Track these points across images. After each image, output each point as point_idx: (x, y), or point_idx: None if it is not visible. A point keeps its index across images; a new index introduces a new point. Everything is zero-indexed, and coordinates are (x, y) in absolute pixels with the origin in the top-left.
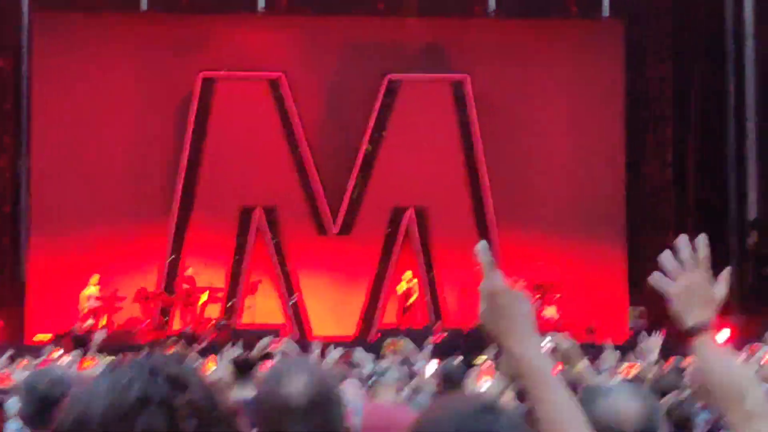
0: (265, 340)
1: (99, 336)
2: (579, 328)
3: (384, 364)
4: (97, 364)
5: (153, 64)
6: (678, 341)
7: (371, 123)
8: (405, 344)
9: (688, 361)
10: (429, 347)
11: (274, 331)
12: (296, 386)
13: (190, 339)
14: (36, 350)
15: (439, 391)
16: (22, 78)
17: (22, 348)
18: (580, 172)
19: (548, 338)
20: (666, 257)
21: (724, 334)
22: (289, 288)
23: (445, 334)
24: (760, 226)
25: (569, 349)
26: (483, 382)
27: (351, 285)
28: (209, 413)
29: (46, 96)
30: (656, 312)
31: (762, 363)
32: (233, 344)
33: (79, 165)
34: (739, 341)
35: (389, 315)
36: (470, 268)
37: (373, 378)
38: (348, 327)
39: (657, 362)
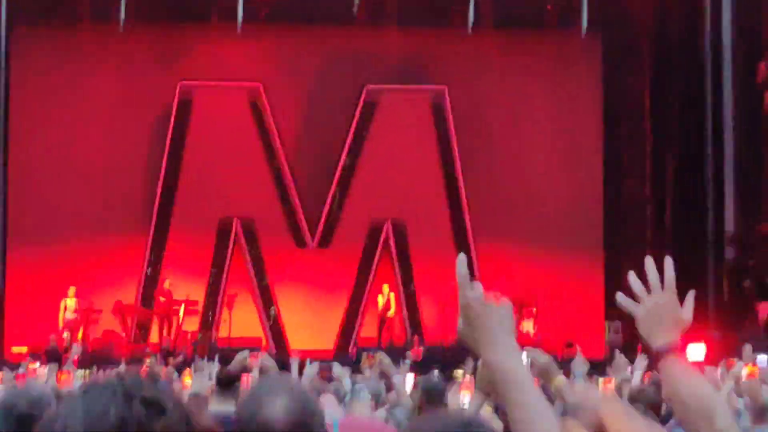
0: (242, 354)
1: (76, 349)
2: (557, 342)
3: (362, 378)
4: (73, 378)
5: (131, 75)
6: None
7: (350, 135)
8: (383, 358)
9: None
10: (407, 361)
11: (252, 345)
12: (277, 409)
13: (168, 352)
14: (13, 363)
15: (419, 405)
16: (1, 91)
17: (0, 361)
18: (558, 186)
19: (524, 354)
20: (633, 279)
21: (701, 349)
22: (267, 301)
23: (424, 348)
24: (737, 241)
25: (546, 365)
26: (463, 396)
27: (329, 298)
28: None
29: (24, 108)
30: (632, 327)
31: (738, 378)
32: (210, 358)
33: (57, 177)
34: (716, 356)
35: (367, 329)
36: (448, 282)
37: (351, 393)
38: (326, 341)
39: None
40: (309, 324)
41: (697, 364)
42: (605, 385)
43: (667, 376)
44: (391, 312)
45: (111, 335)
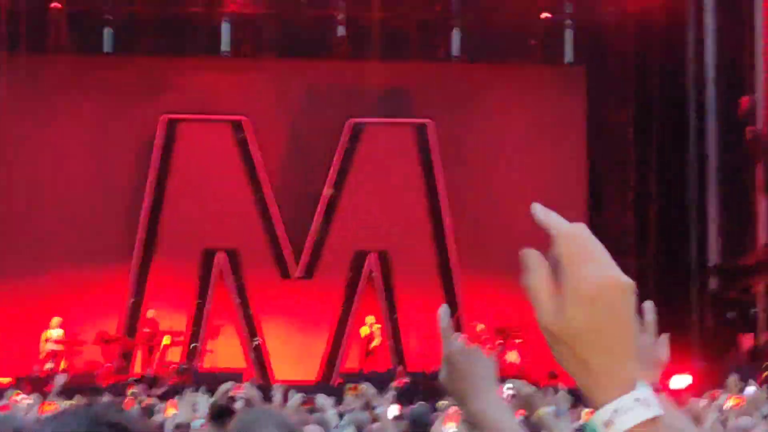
0: (226, 385)
1: (60, 380)
2: (541, 372)
3: (346, 408)
4: (56, 408)
5: (116, 106)
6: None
7: (334, 167)
8: (367, 388)
9: None
10: (391, 392)
11: (236, 375)
12: None
13: (152, 383)
14: None
15: None
16: None
17: None
18: None
19: (509, 385)
20: None
21: (686, 380)
22: (251, 331)
23: (407, 378)
24: (721, 272)
25: (530, 395)
26: (448, 427)
27: (313, 329)
28: None
29: (6, 137)
30: None
31: (723, 409)
32: (195, 389)
33: (41, 207)
34: (700, 387)
35: (352, 359)
36: (433, 313)
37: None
38: (310, 371)
39: None
40: (293, 354)
41: (681, 393)
42: (588, 416)
43: None
44: (376, 342)
45: (94, 365)
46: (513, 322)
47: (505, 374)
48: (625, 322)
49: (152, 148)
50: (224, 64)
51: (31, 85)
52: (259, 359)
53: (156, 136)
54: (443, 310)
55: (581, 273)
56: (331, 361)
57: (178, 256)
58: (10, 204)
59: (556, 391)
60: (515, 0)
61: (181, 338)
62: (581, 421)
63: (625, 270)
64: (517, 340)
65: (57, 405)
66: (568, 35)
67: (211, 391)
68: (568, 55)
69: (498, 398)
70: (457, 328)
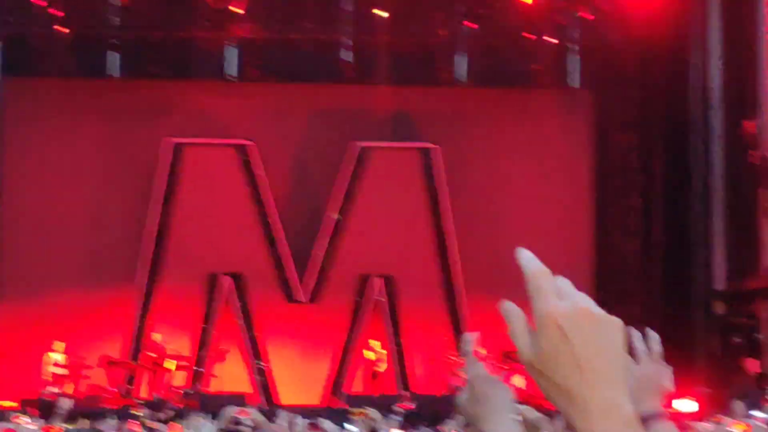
0: (230, 410)
1: (64, 404)
2: None
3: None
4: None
5: (121, 130)
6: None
7: (339, 191)
8: (372, 413)
9: None
10: (396, 416)
11: (241, 399)
12: None
13: (157, 407)
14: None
15: None
16: None
17: None
18: (548, 241)
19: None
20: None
21: (692, 406)
22: (256, 355)
23: (412, 402)
24: (726, 297)
25: (536, 420)
26: None
27: (319, 353)
28: None
29: (15, 161)
30: None
31: None
32: (200, 412)
33: (46, 230)
34: (706, 412)
35: (357, 383)
36: (438, 337)
37: None
38: (315, 395)
39: None
40: (298, 378)
41: (686, 417)
42: None
43: None
44: (382, 367)
45: (99, 389)
46: None
47: None
48: (601, 351)
49: (157, 172)
50: (230, 89)
51: (37, 109)
52: (264, 383)
53: (161, 160)
54: (468, 337)
55: (546, 306)
56: (336, 385)
57: (183, 280)
58: (15, 227)
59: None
60: (521, 25)
61: (186, 362)
62: None
63: (631, 294)
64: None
65: (61, 429)
66: (574, 60)
67: (216, 416)
68: (574, 80)
69: (514, 424)
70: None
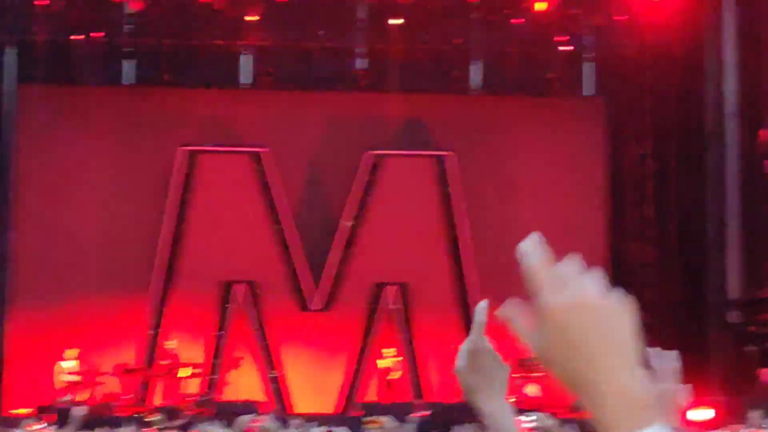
0: (244, 418)
1: (78, 412)
2: (562, 405)
3: None
4: None
5: (136, 137)
6: None
7: (354, 199)
8: (387, 421)
9: None
10: (411, 424)
11: (255, 407)
12: None
13: (171, 414)
14: (12, 422)
15: None
16: (7, 151)
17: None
18: (562, 250)
19: (532, 417)
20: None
21: (708, 414)
22: (270, 363)
23: (427, 410)
24: (742, 306)
25: (551, 428)
26: None
27: (332, 361)
28: None
29: (29, 168)
30: None
31: None
32: (214, 420)
33: (60, 238)
34: (720, 422)
35: (371, 391)
36: (453, 345)
37: None
38: (329, 403)
39: None
40: (312, 386)
41: (702, 426)
42: None
43: None
44: (396, 374)
45: (113, 397)
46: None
47: (526, 407)
48: (605, 339)
49: (172, 179)
50: (244, 96)
51: (51, 117)
52: (278, 391)
53: (175, 168)
54: (482, 304)
55: (545, 302)
56: (350, 392)
57: (197, 288)
58: (29, 234)
59: (578, 423)
60: (534, 33)
61: (200, 370)
62: None
63: (645, 303)
64: (537, 374)
65: None
66: (588, 68)
67: (231, 423)
68: (588, 88)
69: (508, 404)
70: None
